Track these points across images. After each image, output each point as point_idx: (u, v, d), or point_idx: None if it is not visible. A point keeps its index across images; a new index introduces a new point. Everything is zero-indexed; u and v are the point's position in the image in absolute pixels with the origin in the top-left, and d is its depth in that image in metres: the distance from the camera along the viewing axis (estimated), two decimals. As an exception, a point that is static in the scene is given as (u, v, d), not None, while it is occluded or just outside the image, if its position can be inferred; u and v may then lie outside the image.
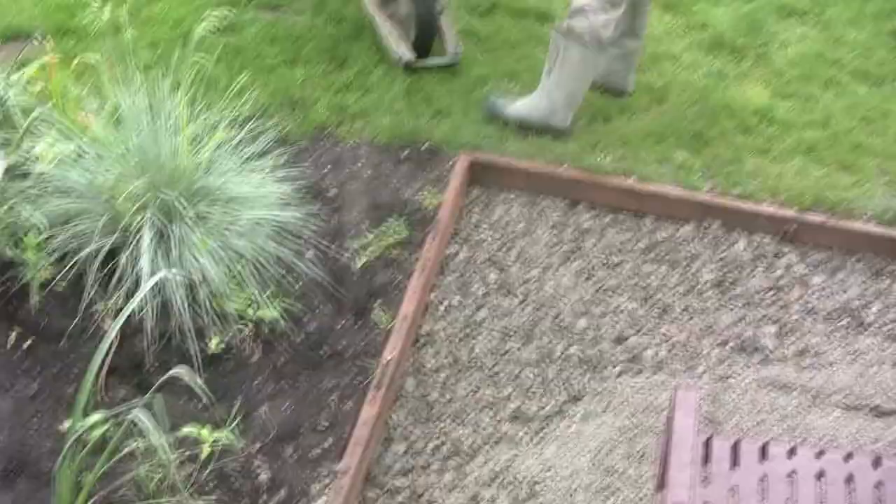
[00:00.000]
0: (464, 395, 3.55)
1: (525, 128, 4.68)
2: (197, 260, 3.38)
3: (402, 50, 4.96)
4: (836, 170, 4.71)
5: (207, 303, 3.40)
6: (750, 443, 2.66)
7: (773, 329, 3.87)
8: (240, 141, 3.84)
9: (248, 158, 3.82)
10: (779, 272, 4.14)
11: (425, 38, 4.99)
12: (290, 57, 5.11)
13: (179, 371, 2.71)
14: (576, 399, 3.56)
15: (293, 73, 4.97)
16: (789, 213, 4.33)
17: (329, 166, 4.38)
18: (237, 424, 3.21)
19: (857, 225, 4.35)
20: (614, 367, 3.68)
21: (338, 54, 5.18)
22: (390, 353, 3.47)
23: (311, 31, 5.36)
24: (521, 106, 4.70)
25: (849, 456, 2.65)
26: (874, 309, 3.99)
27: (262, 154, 3.90)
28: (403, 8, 5.12)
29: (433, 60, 5.05)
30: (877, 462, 2.63)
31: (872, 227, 4.34)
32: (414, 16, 4.95)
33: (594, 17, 4.39)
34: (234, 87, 4.02)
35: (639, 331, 3.85)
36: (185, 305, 3.34)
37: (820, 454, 2.64)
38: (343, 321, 3.67)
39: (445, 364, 3.65)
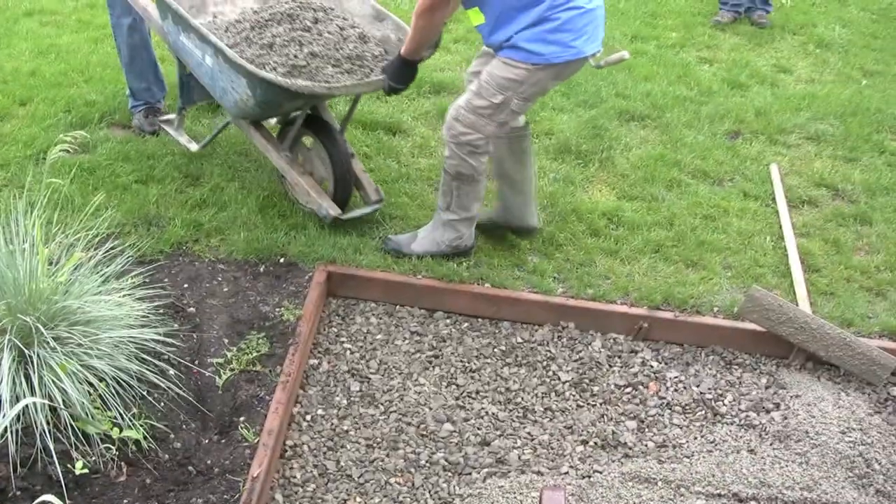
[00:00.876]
0: (333, 506, 3.57)
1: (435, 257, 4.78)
2: (57, 383, 3.35)
3: (327, 206, 4.80)
4: (683, 267, 4.94)
5: (70, 425, 3.35)
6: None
7: (633, 424, 4.01)
8: (98, 261, 3.83)
9: (106, 279, 3.82)
10: (634, 369, 4.30)
11: (346, 193, 4.96)
12: (143, 175, 5.12)
13: (46, 499, 2.68)
14: (444, 504, 3.62)
15: (147, 190, 4.98)
16: (641, 311, 4.51)
17: (187, 284, 4.39)
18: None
19: (707, 319, 4.56)
20: (480, 470, 3.75)
21: (191, 171, 5.22)
22: (257, 468, 3.47)
23: (163, 148, 5.39)
24: (424, 241, 4.77)
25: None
26: (728, 399, 4.18)
27: (121, 274, 3.91)
28: (320, 170, 5.00)
29: (359, 211, 4.97)
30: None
31: (720, 321, 4.56)
32: (331, 174, 4.91)
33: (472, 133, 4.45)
34: (90, 207, 4.02)
35: (502, 433, 3.94)
36: (48, 429, 3.29)
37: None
38: (208, 438, 3.66)
39: (313, 476, 3.67)
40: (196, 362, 3.93)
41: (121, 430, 3.45)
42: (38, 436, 3.28)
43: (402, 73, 4.54)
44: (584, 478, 3.72)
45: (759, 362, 4.42)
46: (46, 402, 3.30)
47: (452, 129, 4.43)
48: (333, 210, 4.80)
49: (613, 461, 3.82)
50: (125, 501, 3.35)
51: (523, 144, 4.80)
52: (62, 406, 3.34)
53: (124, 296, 3.82)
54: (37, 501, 2.69)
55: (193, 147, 5.16)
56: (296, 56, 4.55)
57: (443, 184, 4.63)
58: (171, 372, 3.79)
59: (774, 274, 4.96)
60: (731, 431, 4.01)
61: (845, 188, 5.91)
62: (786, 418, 4.07)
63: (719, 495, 3.69)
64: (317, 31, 4.74)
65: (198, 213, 4.87)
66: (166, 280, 4.34)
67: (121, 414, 3.48)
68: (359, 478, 3.68)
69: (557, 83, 4.65)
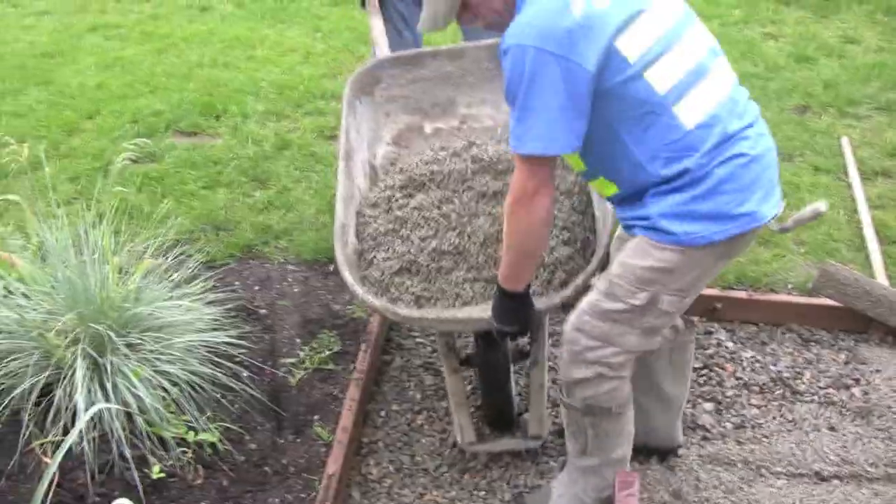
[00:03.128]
0: (410, 501, 3.55)
1: None
2: (132, 389, 3.38)
3: (459, 426, 3.61)
4: (755, 245, 4.83)
5: (146, 431, 3.39)
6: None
7: (710, 406, 3.94)
8: (167, 268, 3.87)
9: (176, 284, 3.85)
10: (710, 350, 4.23)
11: (492, 415, 3.80)
12: (210, 181, 5.17)
13: (122, 502, 2.71)
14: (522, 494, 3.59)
15: (215, 196, 5.03)
16: (714, 291, 4.43)
17: (258, 286, 4.42)
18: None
19: (781, 297, 4.47)
20: (557, 458, 3.71)
21: (258, 175, 5.26)
22: (333, 466, 3.47)
23: (228, 153, 5.44)
24: (562, 499, 3.36)
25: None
26: (806, 377, 4.08)
27: (191, 279, 3.93)
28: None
29: (502, 445, 3.71)
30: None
31: (795, 298, 4.46)
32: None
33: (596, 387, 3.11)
34: (158, 215, 4.06)
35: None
36: (124, 435, 3.33)
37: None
38: (283, 438, 3.68)
39: (389, 471, 3.66)
40: (269, 363, 3.95)
41: (196, 434, 3.47)
42: (114, 442, 3.32)
43: (506, 308, 3.07)
44: (662, 461, 3.67)
45: (837, 338, 4.31)
46: (121, 407, 3.33)
47: (575, 345, 3.05)
48: (461, 435, 3.60)
49: (692, 444, 3.76)
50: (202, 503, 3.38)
51: (686, 355, 3.51)
52: (137, 412, 3.37)
53: (194, 300, 3.84)
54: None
55: None
56: (419, 249, 3.48)
57: (569, 422, 3.26)
58: (245, 374, 3.80)
59: (849, 248, 4.85)
60: (810, 409, 3.93)
61: (921, 157, 5.77)
62: (867, 394, 3.97)
63: (801, 475, 3.61)
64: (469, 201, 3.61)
65: (266, 216, 4.90)
66: (237, 283, 4.38)
67: (195, 418, 3.51)
68: (434, 471, 3.66)
69: (728, 263, 3.22)
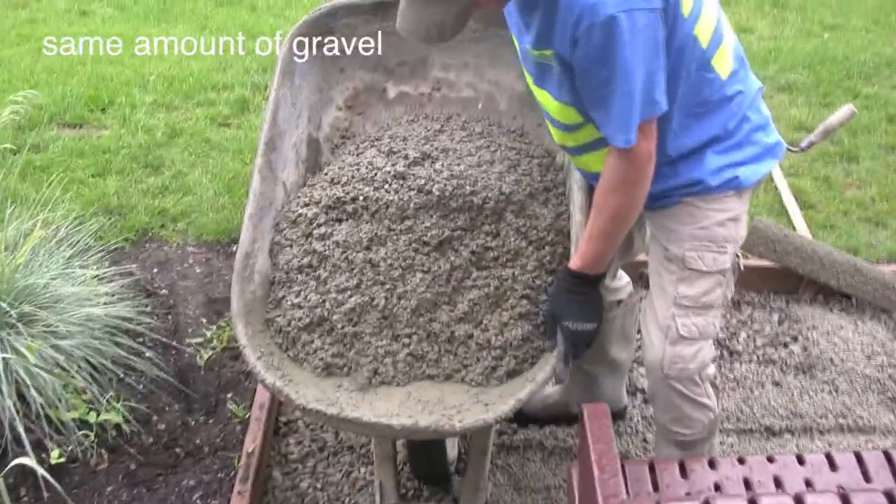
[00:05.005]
0: (338, 479, 3.28)
1: None
2: (27, 367, 3.05)
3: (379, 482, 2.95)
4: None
5: (42, 412, 3.06)
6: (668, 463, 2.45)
7: (647, 369, 3.77)
8: (59, 241, 3.56)
9: (70, 257, 3.53)
10: (637, 315, 4.05)
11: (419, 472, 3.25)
12: (100, 168, 4.84)
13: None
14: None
15: (105, 183, 4.70)
16: (643, 257, 4.21)
17: (156, 268, 4.12)
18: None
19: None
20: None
21: (150, 162, 4.95)
22: (251, 443, 3.20)
23: (118, 142, 5.12)
24: None
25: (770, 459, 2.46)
26: (742, 337, 3.93)
27: (84, 253, 3.63)
28: None
29: None
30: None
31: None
32: None
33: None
34: (42, 197, 3.74)
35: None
36: (18, 417, 2.99)
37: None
38: (195, 419, 3.39)
39: (312, 451, 3.38)
40: (174, 343, 3.65)
41: (98, 415, 3.16)
42: (6, 425, 2.99)
43: (586, 300, 2.57)
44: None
45: (769, 299, 4.17)
46: (13, 386, 3.01)
47: (676, 364, 2.70)
48: (380, 496, 2.94)
49: (635, 407, 3.56)
50: (109, 489, 3.08)
51: (633, 318, 3.30)
52: (32, 390, 3.04)
53: (91, 276, 3.54)
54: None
55: None
56: (335, 304, 2.71)
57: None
58: (148, 354, 3.49)
59: (770, 213, 4.73)
60: (751, 368, 3.77)
61: (827, 130, 5.72)
62: (806, 349, 3.84)
63: (751, 430, 3.46)
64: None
65: (161, 200, 4.60)
66: (134, 266, 4.06)
67: (97, 398, 3.19)
68: (360, 448, 3.40)
69: None
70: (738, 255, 2.76)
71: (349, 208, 2.83)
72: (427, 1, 2.27)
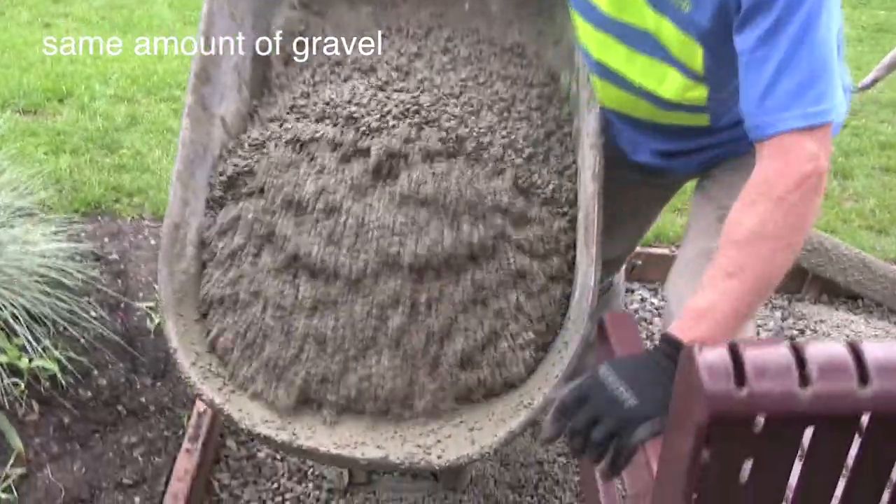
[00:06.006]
0: (297, 448, 2.94)
1: None
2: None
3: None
4: (671, 209, 4.40)
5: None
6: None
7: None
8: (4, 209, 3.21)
9: (13, 213, 3.20)
10: (635, 305, 3.78)
11: None
12: (54, 147, 4.52)
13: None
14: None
15: (58, 160, 4.37)
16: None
17: (107, 238, 3.77)
18: (12, 490, 2.52)
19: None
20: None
21: (107, 143, 4.64)
22: (204, 407, 2.86)
23: (74, 125, 4.81)
24: None
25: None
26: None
27: (30, 217, 3.30)
28: None
29: None
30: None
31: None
32: None
33: None
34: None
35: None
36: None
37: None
38: (141, 380, 3.03)
39: (270, 420, 3.04)
40: (122, 305, 3.31)
41: (31, 360, 2.80)
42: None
43: (664, 380, 1.72)
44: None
45: (770, 298, 3.88)
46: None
47: None
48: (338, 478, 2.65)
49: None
50: (37, 441, 2.70)
51: (621, 301, 3.30)
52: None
53: (35, 231, 3.21)
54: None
55: None
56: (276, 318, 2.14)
57: None
58: (93, 314, 3.15)
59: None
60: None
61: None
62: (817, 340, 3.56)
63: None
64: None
65: (117, 178, 4.26)
66: (83, 235, 3.72)
67: (30, 343, 2.83)
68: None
69: None
70: None
71: (291, 251, 2.15)
72: None
